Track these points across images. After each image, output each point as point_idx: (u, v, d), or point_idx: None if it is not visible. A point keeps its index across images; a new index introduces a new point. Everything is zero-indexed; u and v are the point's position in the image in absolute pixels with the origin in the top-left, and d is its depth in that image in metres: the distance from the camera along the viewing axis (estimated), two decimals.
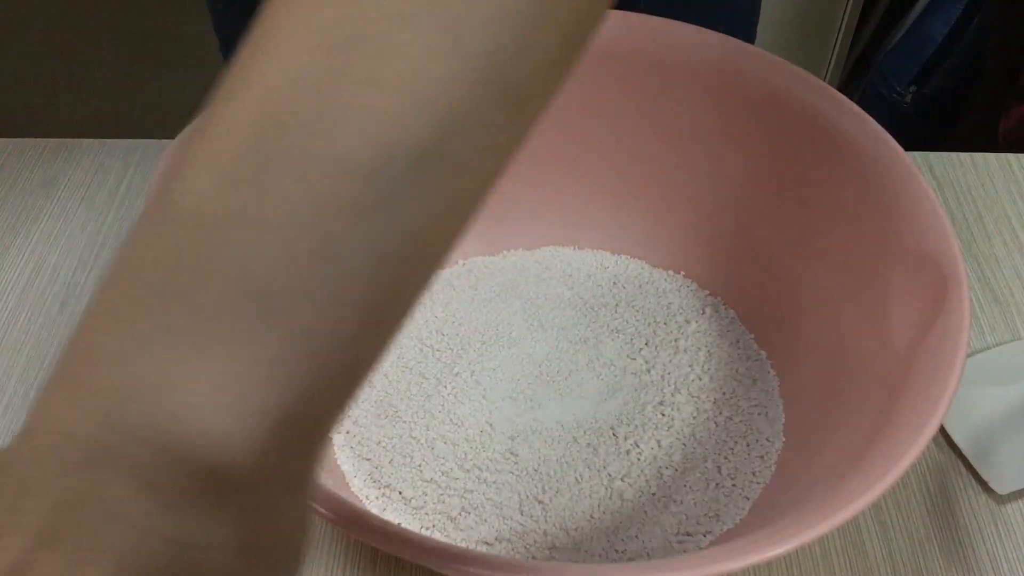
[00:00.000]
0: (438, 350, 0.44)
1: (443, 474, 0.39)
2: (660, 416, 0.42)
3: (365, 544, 0.29)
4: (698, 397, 0.43)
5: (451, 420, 0.41)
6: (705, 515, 0.38)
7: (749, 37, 0.43)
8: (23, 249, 0.52)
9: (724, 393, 0.43)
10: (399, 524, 0.38)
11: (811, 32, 1.08)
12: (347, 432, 0.42)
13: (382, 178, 0.19)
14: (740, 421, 0.42)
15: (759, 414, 0.42)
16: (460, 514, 0.38)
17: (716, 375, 0.44)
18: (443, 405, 0.42)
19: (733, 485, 0.39)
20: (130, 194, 0.55)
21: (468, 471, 0.39)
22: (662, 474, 0.40)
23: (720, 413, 0.42)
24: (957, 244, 0.35)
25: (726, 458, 0.40)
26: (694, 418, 0.42)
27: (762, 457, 0.40)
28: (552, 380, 0.43)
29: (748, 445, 0.41)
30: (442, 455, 0.40)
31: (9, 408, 0.45)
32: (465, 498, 0.39)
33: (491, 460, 0.40)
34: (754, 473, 0.40)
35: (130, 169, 0.56)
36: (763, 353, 0.44)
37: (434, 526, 0.38)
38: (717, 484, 0.39)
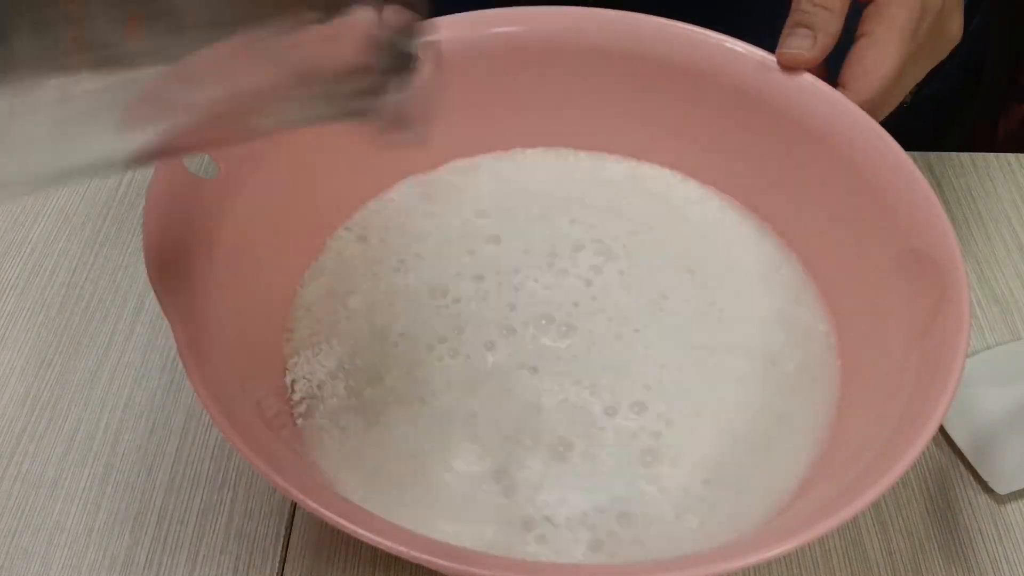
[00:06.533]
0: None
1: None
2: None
3: (365, 544, 0.29)
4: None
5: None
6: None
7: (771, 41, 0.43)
8: (23, 249, 0.52)
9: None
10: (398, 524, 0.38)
11: None
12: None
13: None
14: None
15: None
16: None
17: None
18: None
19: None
20: (130, 194, 0.55)
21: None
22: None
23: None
24: (957, 244, 0.35)
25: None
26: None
27: None
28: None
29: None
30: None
31: (9, 407, 0.45)
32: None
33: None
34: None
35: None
36: None
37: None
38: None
